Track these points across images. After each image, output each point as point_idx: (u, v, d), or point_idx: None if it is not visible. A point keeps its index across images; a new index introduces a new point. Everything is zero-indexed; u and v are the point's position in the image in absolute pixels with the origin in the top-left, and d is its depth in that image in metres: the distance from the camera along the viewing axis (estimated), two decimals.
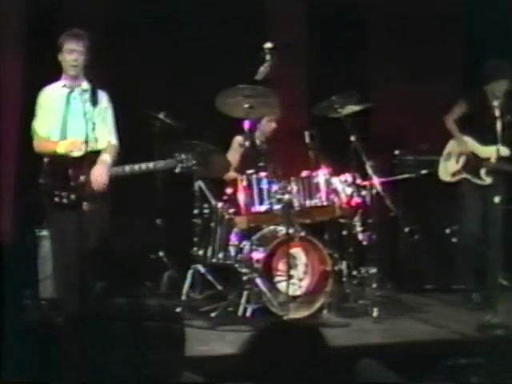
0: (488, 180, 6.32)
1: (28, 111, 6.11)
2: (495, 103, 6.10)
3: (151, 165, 5.57)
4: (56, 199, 5.30)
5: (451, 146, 6.60)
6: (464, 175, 6.46)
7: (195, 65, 7.28)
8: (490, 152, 6.29)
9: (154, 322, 3.06)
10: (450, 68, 7.65)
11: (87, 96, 5.28)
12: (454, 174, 6.53)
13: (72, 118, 5.40)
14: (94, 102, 5.26)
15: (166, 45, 7.30)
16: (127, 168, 5.50)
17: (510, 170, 6.17)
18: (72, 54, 5.38)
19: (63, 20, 6.77)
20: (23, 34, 6.80)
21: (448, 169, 6.58)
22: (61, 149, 5.34)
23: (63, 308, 5.23)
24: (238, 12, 7.40)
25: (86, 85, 5.38)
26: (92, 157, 5.33)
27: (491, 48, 6.85)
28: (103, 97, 5.52)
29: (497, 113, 5.97)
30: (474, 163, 6.41)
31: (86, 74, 5.45)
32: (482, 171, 6.36)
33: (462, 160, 6.50)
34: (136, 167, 5.51)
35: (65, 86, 5.49)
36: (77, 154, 5.31)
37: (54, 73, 5.58)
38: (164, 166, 5.67)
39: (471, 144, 6.46)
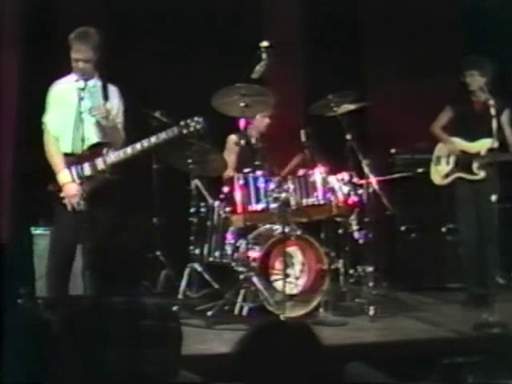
0: (481, 174, 6.33)
1: (26, 111, 6.13)
2: (477, 99, 6.24)
3: (153, 139, 5.46)
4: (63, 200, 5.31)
5: (439, 149, 6.62)
6: (457, 174, 6.47)
7: (192, 63, 7.28)
8: (479, 147, 6.35)
9: (151, 321, 3.06)
10: (447, 66, 7.63)
11: (99, 90, 5.31)
12: (447, 176, 6.54)
13: (86, 113, 5.35)
14: (106, 96, 5.27)
15: (163, 43, 7.30)
16: (128, 150, 5.43)
17: (501, 160, 6.18)
18: (78, 63, 5.36)
19: (62, 16, 6.77)
20: (22, 30, 6.78)
21: (440, 171, 6.59)
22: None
23: (57, 306, 5.22)
24: (234, 11, 7.40)
25: (97, 79, 5.41)
26: (97, 150, 5.36)
27: (490, 47, 6.85)
28: (114, 94, 5.51)
29: (481, 109, 6.08)
30: (464, 160, 6.42)
31: (98, 68, 5.45)
32: (474, 166, 6.38)
33: (452, 160, 6.51)
34: (138, 146, 5.44)
35: (77, 80, 5.41)
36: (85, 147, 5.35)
37: (55, 69, 5.58)
38: (166, 136, 5.52)
39: (459, 143, 6.47)
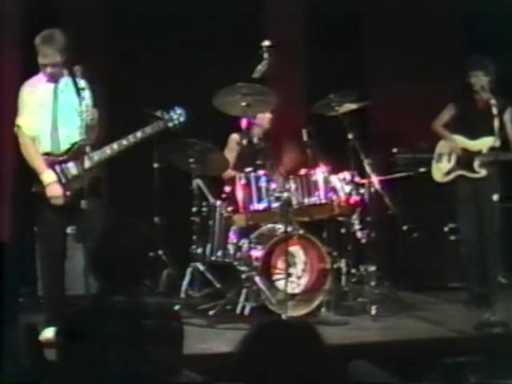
0: (482, 172, 6.33)
1: None
2: (482, 99, 6.22)
3: (138, 134, 5.37)
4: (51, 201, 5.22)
5: (441, 147, 6.62)
6: (458, 172, 6.47)
7: (193, 63, 7.28)
8: (480, 145, 6.34)
9: (153, 320, 3.06)
10: (449, 66, 7.64)
11: (72, 89, 5.15)
12: (448, 173, 6.53)
13: (62, 112, 5.26)
14: (79, 93, 5.09)
15: (164, 43, 7.30)
16: (115, 146, 5.31)
17: (502, 159, 6.18)
18: (46, 68, 5.23)
19: (61, 15, 6.78)
20: (23, 30, 6.77)
21: (441, 169, 6.59)
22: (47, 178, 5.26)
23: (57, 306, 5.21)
24: (236, 10, 7.40)
25: (68, 77, 5.23)
26: (79, 148, 5.20)
27: (490, 46, 6.85)
28: (86, 87, 5.22)
29: (484, 108, 6.08)
30: (466, 158, 6.42)
31: (67, 66, 5.26)
32: (475, 164, 6.37)
33: (454, 158, 6.51)
34: (124, 142, 5.33)
35: (49, 81, 5.31)
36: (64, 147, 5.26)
37: None
38: (152, 129, 5.45)
39: (461, 141, 6.47)
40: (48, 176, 5.22)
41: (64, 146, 5.27)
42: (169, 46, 7.30)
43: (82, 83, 5.14)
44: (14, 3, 6.67)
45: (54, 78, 5.30)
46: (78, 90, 5.08)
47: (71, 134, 5.21)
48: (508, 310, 5.55)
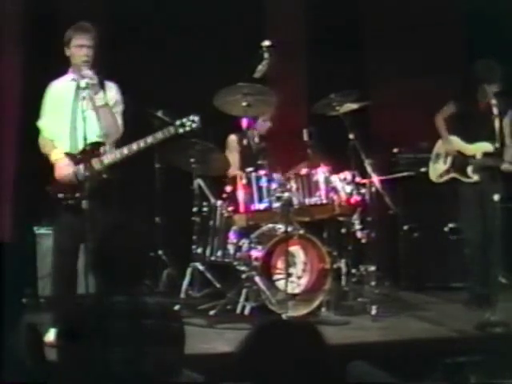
0: (475, 177, 6.33)
1: (28, 110, 6.10)
2: (484, 102, 6.18)
3: (149, 139, 5.33)
4: (63, 201, 5.22)
5: (438, 147, 6.61)
6: (452, 175, 6.47)
7: (194, 63, 7.28)
8: (474, 149, 6.34)
9: (153, 320, 3.06)
10: (449, 66, 7.64)
11: (96, 88, 5.20)
12: (441, 175, 6.54)
13: (82, 112, 5.16)
14: (104, 91, 5.19)
15: (165, 42, 7.30)
16: (125, 150, 5.31)
17: (494, 165, 6.18)
18: (82, 49, 5.25)
19: (62, 16, 6.78)
20: (22, 30, 6.78)
21: (437, 170, 6.59)
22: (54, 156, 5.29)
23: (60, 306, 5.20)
24: (236, 10, 7.40)
25: (93, 77, 5.24)
26: (95, 149, 5.25)
27: (490, 47, 6.84)
28: (112, 89, 5.41)
29: (485, 111, 6.03)
30: (460, 161, 6.41)
31: (94, 65, 5.33)
32: (469, 169, 6.36)
33: (449, 160, 6.50)
34: (134, 146, 5.31)
35: (73, 79, 5.32)
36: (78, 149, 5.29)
37: (55, 69, 5.56)
38: (163, 135, 5.41)
39: (457, 143, 6.46)
40: (56, 153, 5.28)
41: (81, 146, 5.23)
42: (169, 46, 7.30)
43: (107, 82, 5.26)
44: (14, 3, 6.67)
45: (85, 66, 5.27)
46: (103, 87, 5.16)
47: (89, 134, 5.16)
48: (509, 310, 5.54)
